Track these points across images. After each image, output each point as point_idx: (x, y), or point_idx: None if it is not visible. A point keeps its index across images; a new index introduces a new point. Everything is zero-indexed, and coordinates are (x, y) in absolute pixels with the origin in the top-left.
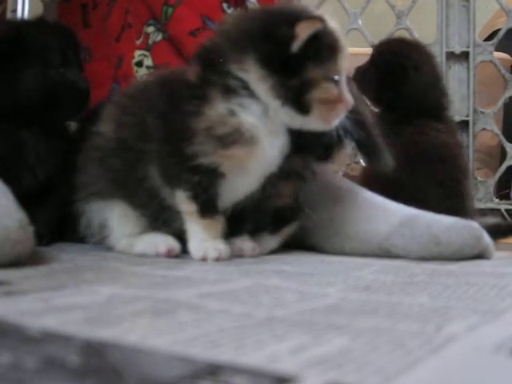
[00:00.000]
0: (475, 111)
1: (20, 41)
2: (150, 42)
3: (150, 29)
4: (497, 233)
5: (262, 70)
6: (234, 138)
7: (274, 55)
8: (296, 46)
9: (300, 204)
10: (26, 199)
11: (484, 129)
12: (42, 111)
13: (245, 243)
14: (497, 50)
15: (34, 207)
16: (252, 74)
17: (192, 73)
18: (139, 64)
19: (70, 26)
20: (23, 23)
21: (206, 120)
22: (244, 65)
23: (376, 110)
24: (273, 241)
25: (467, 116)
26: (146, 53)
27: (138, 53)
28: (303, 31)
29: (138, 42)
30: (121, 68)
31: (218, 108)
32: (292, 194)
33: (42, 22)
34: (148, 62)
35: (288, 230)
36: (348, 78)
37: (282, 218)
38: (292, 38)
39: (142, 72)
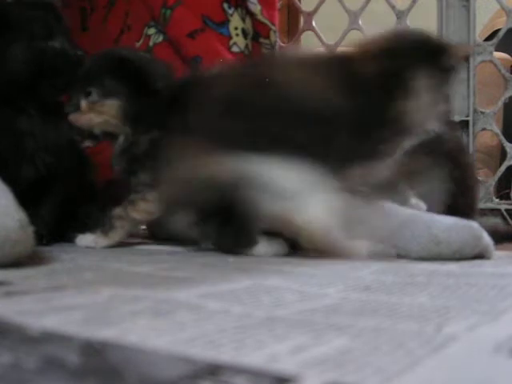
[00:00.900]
0: (475, 111)
1: (1, 17)
2: (151, 43)
3: (151, 30)
4: (494, 237)
5: None
6: None
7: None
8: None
9: None
10: (26, 197)
11: (484, 129)
12: (34, 87)
13: None
14: (497, 50)
15: (34, 206)
16: None
17: None
18: None
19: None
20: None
21: None
22: None
23: None
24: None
25: (467, 116)
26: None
27: None
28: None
29: (138, 44)
30: None
31: None
32: None
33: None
34: None
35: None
36: None
37: None
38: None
39: None
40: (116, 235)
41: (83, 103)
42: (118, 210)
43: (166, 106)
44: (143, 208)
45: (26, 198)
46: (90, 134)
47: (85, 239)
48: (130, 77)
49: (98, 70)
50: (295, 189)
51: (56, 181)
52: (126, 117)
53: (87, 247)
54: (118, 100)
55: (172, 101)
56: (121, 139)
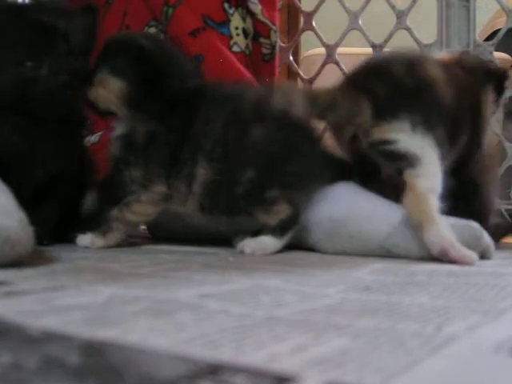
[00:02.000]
0: None
1: None
2: None
3: (152, 30)
4: (497, 232)
5: None
6: None
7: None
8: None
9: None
10: (28, 197)
11: None
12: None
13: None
14: (497, 50)
15: (35, 206)
16: None
17: None
18: None
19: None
20: None
21: None
22: None
23: None
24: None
25: None
26: None
27: None
28: None
29: None
30: None
31: None
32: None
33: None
34: None
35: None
36: None
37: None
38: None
39: None
40: (113, 236)
41: (94, 77)
42: (114, 212)
43: (175, 105)
44: (138, 210)
45: (27, 198)
46: (100, 111)
47: (85, 239)
48: (143, 65)
49: (115, 49)
50: (426, 161)
51: (58, 181)
52: (127, 100)
53: (86, 247)
54: (122, 81)
55: (184, 102)
56: (119, 122)
